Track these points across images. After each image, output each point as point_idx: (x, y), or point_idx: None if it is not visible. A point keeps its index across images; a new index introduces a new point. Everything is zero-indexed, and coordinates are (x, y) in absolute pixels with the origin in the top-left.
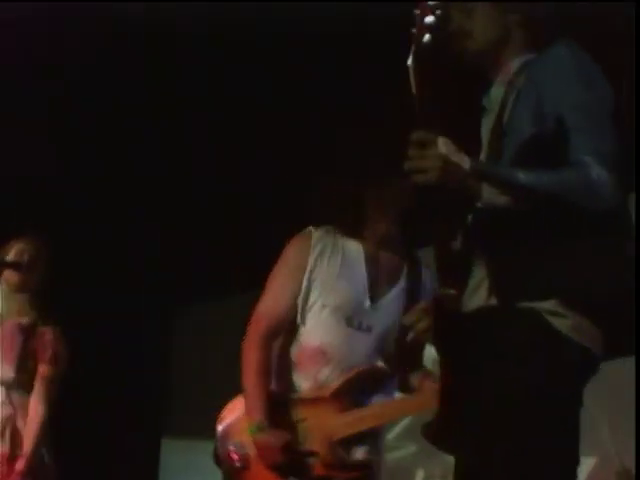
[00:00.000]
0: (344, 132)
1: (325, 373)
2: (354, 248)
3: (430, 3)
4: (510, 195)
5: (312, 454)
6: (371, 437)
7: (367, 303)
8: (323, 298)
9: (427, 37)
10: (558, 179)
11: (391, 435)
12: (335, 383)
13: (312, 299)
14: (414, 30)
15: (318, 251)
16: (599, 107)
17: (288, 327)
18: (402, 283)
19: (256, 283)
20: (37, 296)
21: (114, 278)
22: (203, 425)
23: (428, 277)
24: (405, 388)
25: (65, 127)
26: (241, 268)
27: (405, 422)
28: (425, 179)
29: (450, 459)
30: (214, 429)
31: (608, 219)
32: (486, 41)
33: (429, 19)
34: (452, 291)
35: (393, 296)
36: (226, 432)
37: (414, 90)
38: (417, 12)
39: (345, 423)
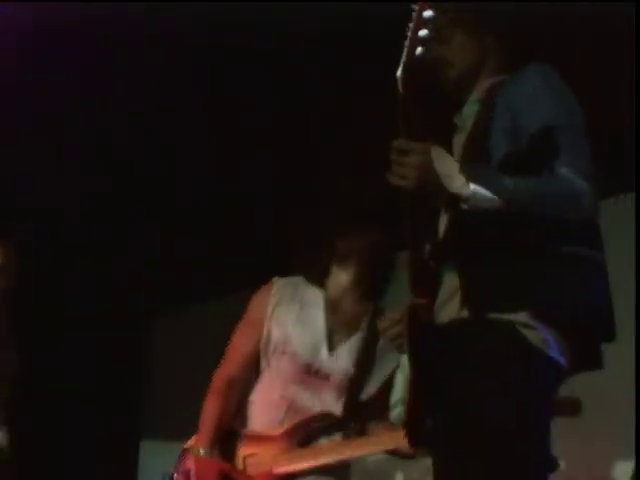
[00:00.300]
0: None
1: (281, 415)
2: (315, 297)
3: (425, 15)
4: (497, 200)
5: None
6: (335, 472)
7: (325, 350)
8: (282, 345)
9: (419, 50)
10: (544, 186)
11: None
12: (287, 424)
13: (272, 347)
14: (406, 42)
15: (276, 300)
16: (572, 123)
17: (254, 370)
18: (362, 332)
19: (240, 286)
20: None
21: (96, 279)
22: (183, 427)
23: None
24: (360, 434)
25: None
26: (225, 271)
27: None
28: (404, 184)
29: (429, 463)
30: (194, 431)
31: (580, 231)
32: (466, 68)
33: (423, 32)
34: (422, 301)
35: (352, 344)
36: (180, 458)
37: (400, 100)
38: (410, 25)
39: (286, 459)
